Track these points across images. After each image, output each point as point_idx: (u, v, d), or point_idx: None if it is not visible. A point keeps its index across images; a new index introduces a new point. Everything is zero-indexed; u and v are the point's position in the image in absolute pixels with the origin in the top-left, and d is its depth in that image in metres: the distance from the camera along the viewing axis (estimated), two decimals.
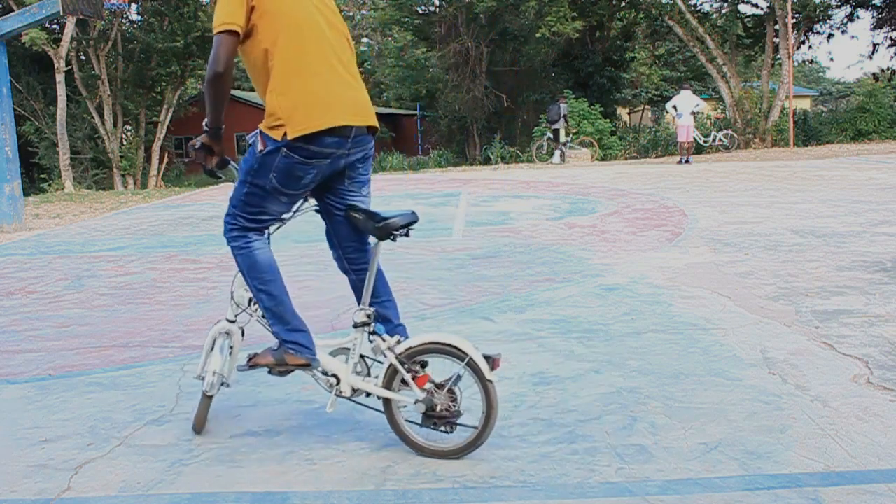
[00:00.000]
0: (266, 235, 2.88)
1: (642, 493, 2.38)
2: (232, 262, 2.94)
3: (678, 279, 5.33)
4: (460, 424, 2.68)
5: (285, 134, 2.61)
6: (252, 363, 2.85)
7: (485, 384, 2.62)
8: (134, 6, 23.49)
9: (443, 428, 2.68)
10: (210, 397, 2.98)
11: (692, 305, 4.61)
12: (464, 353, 2.62)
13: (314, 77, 2.65)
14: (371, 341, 2.79)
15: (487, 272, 5.84)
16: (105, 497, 2.49)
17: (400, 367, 2.69)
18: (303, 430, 2.97)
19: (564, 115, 19.57)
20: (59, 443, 2.93)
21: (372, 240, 2.82)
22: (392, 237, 2.72)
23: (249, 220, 2.78)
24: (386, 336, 2.76)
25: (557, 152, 19.48)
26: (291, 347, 2.77)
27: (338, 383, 2.79)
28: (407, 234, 2.76)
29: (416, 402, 2.68)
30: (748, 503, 2.30)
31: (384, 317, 2.87)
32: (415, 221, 2.74)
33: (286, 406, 3.24)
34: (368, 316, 2.78)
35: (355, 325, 2.78)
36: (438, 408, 2.67)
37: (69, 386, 3.59)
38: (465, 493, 2.43)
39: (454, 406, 2.67)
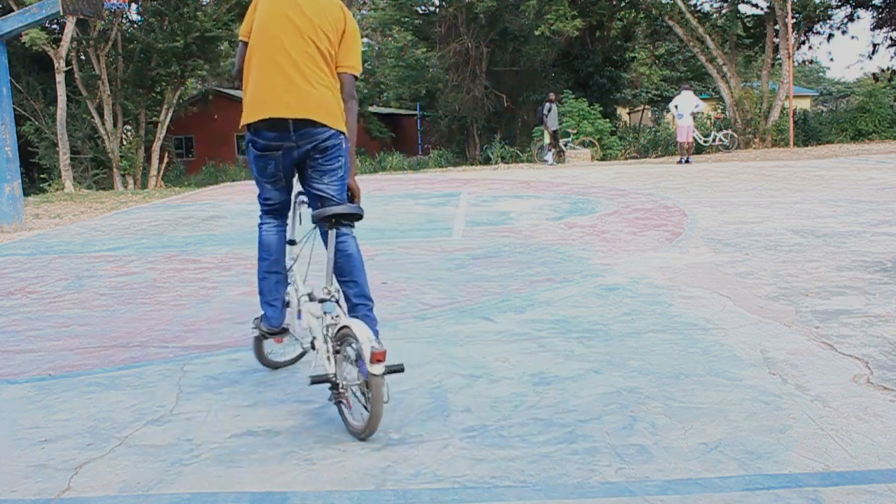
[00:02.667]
0: (280, 220, 3.39)
1: (642, 493, 2.38)
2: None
3: (678, 279, 5.33)
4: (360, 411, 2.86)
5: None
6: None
7: (367, 374, 2.73)
8: (134, 6, 23.48)
9: (364, 406, 2.82)
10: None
11: (692, 305, 4.61)
12: (356, 339, 2.76)
13: (260, 77, 3.15)
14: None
15: (487, 272, 5.84)
16: (105, 497, 2.48)
17: (328, 344, 2.97)
18: (302, 430, 2.97)
19: (541, 118, 19.13)
20: (59, 443, 2.93)
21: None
22: (322, 224, 3.08)
23: (262, 204, 3.38)
24: (328, 314, 3.08)
25: (548, 153, 19.17)
26: (262, 318, 3.38)
27: (313, 347, 3.15)
28: (351, 225, 3.16)
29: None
30: (748, 503, 2.30)
31: (345, 294, 3.23)
32: (350, 214, 3.05)
33: (286, 406, 3.24)
34: (328, 293, 3.10)
35: (318, 301, 3.17)
36: (340, 387, 2.88)
37: (69, 386, 3.59)
38: (465, 493, 2.43)
39: (367, 390, 2.77)
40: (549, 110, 18.86)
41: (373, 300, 3.29)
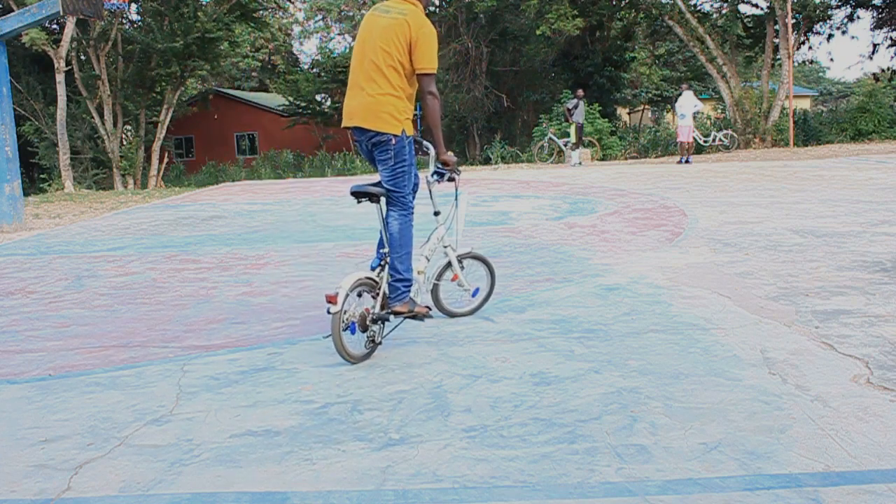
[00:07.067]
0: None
1: (642, 493, 2.38)
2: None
3: (678, 279, 5.33)
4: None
5: None
6: None
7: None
8: (134, 6, 23.48)
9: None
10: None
11: (692, 305, 4.61)
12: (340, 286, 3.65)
13: (349, 92, 3.99)
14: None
15: None
16: (105, 497, 2.49)
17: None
18: (302, 430, 2.97)
19: (569, 112, 18.62)
20: (59, 443, 2.93)
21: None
22: (358, 201, 3.90)
23: None
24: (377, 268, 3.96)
25: (576, 150, 18.61)
26: None
27: None
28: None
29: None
30: (748, 503, 2.30)
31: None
32: (357, 192, 3.84)
33: (286, 406, 3.24)
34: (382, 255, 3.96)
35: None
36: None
37: (69, 386, 3.59)
38: (465, 493, 2.43)
39: (367, 320, 3.77)
40: (576, 106, 18.51)
41: (401, 273, 3.92)
